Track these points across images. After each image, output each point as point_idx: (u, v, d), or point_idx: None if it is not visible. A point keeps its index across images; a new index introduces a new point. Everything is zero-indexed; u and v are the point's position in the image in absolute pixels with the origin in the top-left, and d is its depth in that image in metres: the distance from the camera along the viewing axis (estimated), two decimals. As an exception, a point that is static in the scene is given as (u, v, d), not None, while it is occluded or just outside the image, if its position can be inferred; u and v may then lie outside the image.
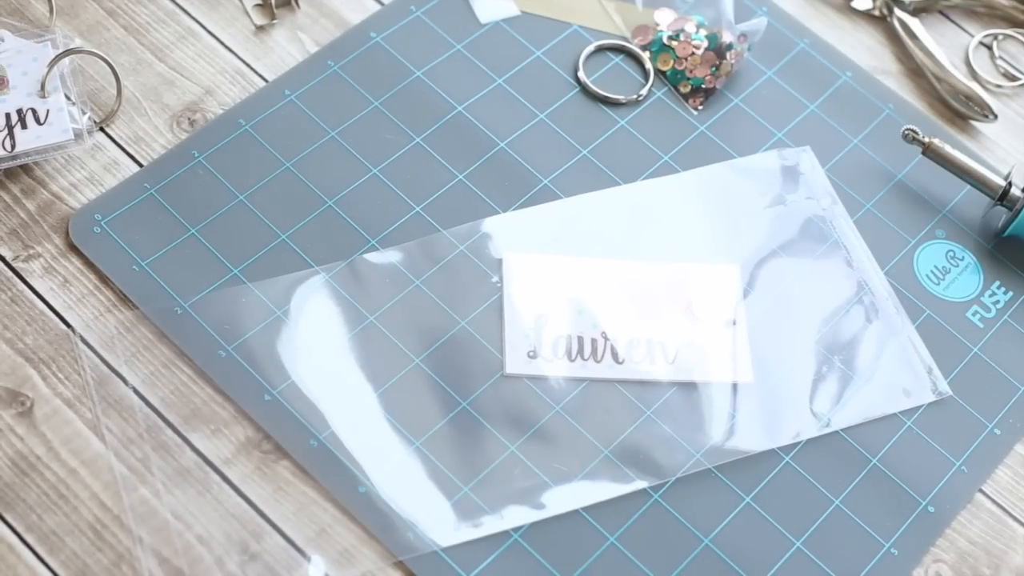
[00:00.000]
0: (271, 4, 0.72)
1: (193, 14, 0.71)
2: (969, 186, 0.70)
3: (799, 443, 0.61)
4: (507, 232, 0.66)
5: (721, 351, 0.63)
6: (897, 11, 0.77)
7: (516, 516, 0.58)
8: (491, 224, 0.66)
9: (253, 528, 0.56)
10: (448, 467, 0.59)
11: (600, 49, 0.73)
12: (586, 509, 0.58)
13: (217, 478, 0.58)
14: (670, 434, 0.61)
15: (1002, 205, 0.69)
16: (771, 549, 0.58)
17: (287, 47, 0.71)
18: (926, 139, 0.70)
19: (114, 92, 0.67)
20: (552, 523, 0.58)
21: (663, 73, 0.73)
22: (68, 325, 0.61)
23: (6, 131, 0.64)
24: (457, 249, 0.65)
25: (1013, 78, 0.77)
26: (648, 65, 0.73)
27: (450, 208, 0.66)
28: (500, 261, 0.65)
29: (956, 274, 0.68)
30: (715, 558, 0.58)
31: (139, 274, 0.62)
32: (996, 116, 0.73)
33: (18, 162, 0.64)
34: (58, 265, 0.62)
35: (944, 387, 0.64)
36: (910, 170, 0.71)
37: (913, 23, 0.77)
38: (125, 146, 0.66)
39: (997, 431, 0.63)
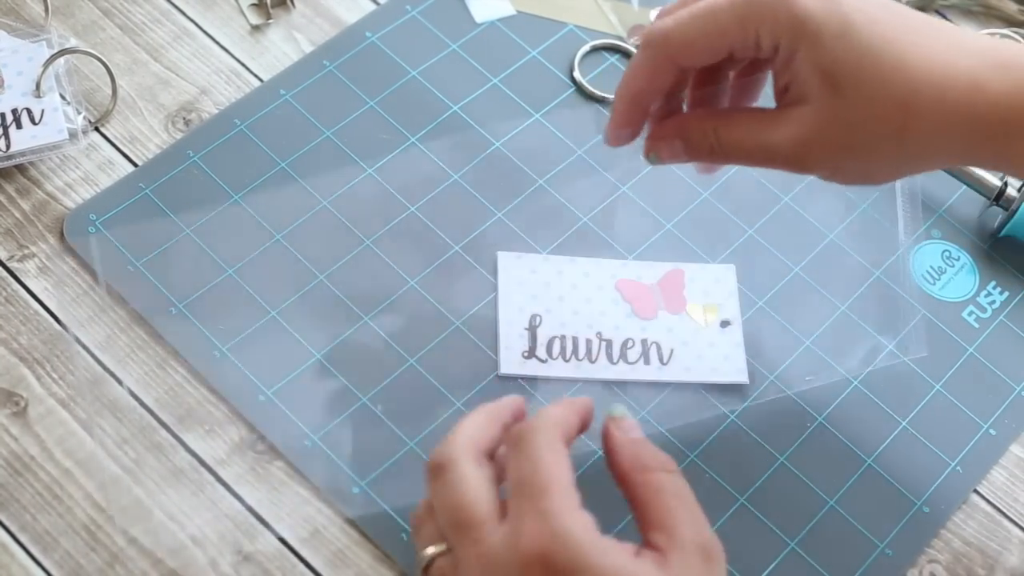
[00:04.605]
0: (267, 4, 0.72)
1: (189, 14, 0.71)
2: (965, 186, 0.70)
3: (794, 444, 0.61)
4: (502, 231, 0.66)
5: (716, 352, 0.63)
6: (894, 10, 0.77)
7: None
8: (486, 224, 0.66)
9: (247, 528, 0.56)
10: (443, 467, 0.59)
11: (596, 49, 0.73)
12: (580, 509, 0.58)
13: (211, 478, 0.58)
14: (664, 434, 0.61)
15: (998, 205, 0.69)
16: (765, 550, 0.58)
17: (282, 47, 0.71)
18: (922, 139, 0.70)
19: (109, 92, 0.67)
20: (546, 523, 0.58)
21: (659, 73, 0.73)
22: (62, 325, 0.61)
23: (1, 131, 0.64)
24: (452, 249, 0.65)
25: (1010, 78, 0.77)
26: (644, 65, 0.73)
27: (445, 207, 0.66)
28: (495, 260, 0.65)
29: (952, 274, 0.68)
30: (709, 558, 0.58)
31: (134, 274, 0.62)
32: (992, 116, 0.73)
33: (13, 162, 0.64)
34: (52, 265, 0.62)
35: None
36: (906, 170, 0.71)
37: (910, 22, 0.76)
38: (120, 146, 0.66)
39: (992, 431, 0.63)
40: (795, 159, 0.53)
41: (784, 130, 0.53)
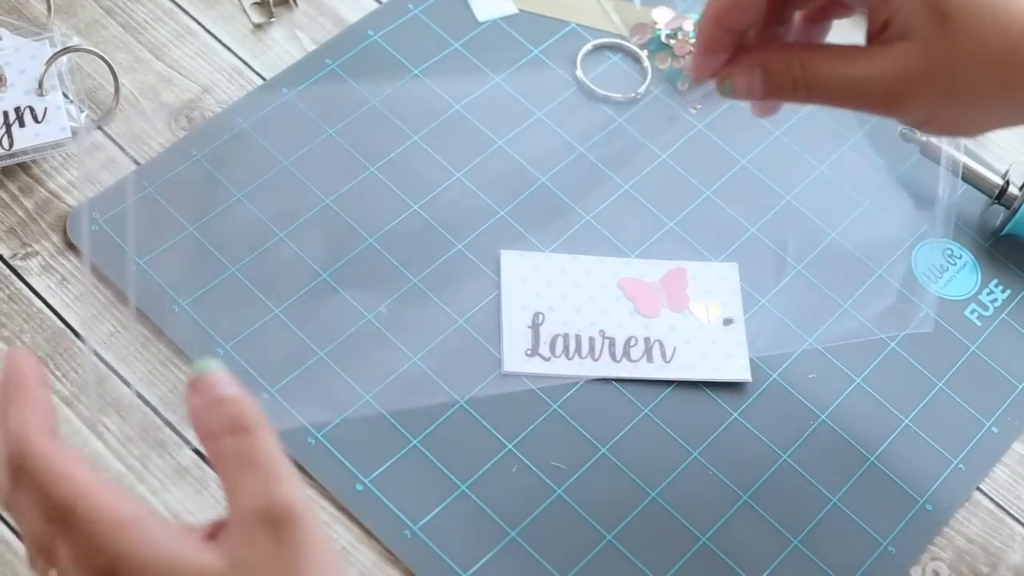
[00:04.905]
0: (269, 2, 0.72)
1: (191, 12, 0.71)
2: (967, 184, 0.70)
3: (796, 442, 0.61)
4: (505, 230, 0.66)
5: (719, 350, 0.63)
6: (895, 9, 0.77)
7: (513, 514, 0.58)
8: (489, 222, 0.66)
9: (251, 526, 0.56)
10: (446, 465, 0.59)
11: (598, 47, 0.73)
12: (584, 507, 0.58)
13: (215, 476, 0.57)
14: (667, 432, 0.61)
15: (1000, 203, 0.69)
16: (769, 547, 0.59)
17: (285, 45, 0.71)
18: (923, 138, 0.70)
19: (112, 90, 0.67)
20: (550, 521, 0.58)
21: (661, 71, 0.73)
22: (66, 323, 0.61)
23: (4, 129, 0.64)
24: (455, 247, 0.65)
25: (1011, 76, 0.77)
26: (646, 63, 0.73)
27: (448, 206, 0.66)
28: (498, 259, 0.65)
29: (954, 272, 0.68)
30: (713, 556, 0.58)
31: (136, 272, 0.62)
32: (994, 114, 0.73)
33: (16, 160, 0.64)
34: (56, 263, 0.62)
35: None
36: (908, 168, 0.71)
37: (911, 21, 0.76)
38: (123, 144, 0.66)
39: (995, 429, 0.63)
40: (890, 99, 0.50)
41: (881, 66, 0.49)
